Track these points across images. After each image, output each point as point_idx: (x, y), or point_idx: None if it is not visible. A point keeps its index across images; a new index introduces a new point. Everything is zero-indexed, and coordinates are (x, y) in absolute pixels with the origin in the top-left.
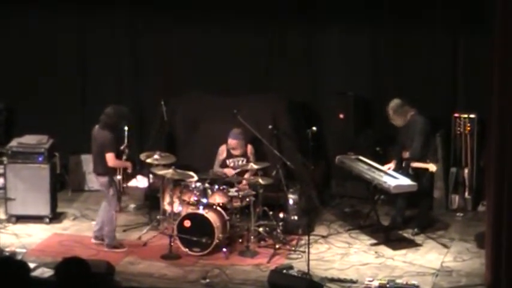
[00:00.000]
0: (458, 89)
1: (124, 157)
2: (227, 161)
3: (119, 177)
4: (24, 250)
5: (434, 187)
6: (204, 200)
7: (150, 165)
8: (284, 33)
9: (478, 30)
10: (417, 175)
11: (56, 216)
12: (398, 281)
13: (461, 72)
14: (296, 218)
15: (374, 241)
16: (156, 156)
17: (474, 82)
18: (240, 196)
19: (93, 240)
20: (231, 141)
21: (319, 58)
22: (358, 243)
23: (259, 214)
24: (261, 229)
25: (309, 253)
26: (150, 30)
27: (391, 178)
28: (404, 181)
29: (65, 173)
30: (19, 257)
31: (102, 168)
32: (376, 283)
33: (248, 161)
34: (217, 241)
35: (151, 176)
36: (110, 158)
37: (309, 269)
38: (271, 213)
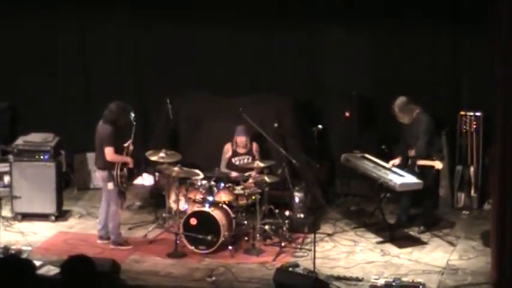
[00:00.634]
0: (462, 88)
1: (128, 153)
2: (233, 159)
3: (118, 172)
4: (29, 248)
5: (440, 185)
6: (210, 198)
7: (156, 163)
8: (286, 32)
9: (480, 29)
10: (423, 173)
11: (61, 214)
12: (404, 279)
13: (465, 71)
14: (302, 216)
15: (380, 239)
16: (161, 154)
17: (479, 80)
18: (246, 194)
19: (98, 241)
20: (240, 139)
21: (323, 57)
22: (363, 241)
23: (265, 212)
24: (266, 227)
25: (314, 251)
26: (150, 30)
27: (397, 176)
28: (410, 179)
29: (70, 171)
30: (25, 255)
31: (101, 163)
32: (382, 281)
33: (254, 159)
34: (223, 239)
35: (157, 174)
36: (109, 152)
37: (314, 267)
38: (277, 211)
